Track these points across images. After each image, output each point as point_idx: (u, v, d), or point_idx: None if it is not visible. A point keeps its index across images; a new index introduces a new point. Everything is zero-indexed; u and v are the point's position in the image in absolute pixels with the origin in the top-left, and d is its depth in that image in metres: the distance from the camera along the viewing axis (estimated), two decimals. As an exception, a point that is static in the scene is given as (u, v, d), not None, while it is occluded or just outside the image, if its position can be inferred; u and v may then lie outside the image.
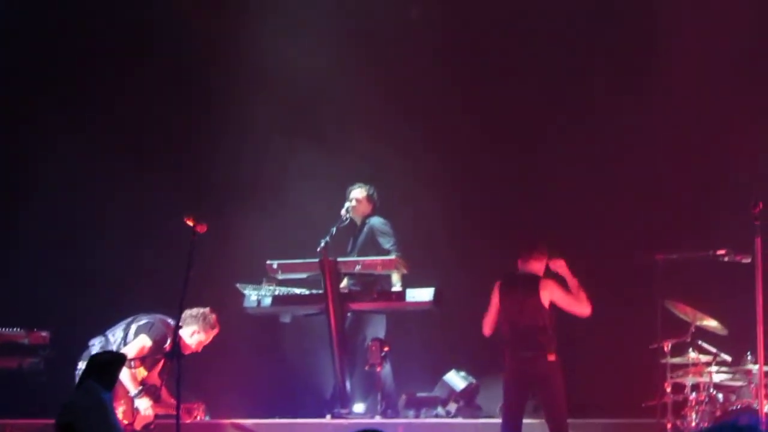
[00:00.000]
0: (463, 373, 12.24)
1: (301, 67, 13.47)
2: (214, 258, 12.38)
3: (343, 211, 12.48)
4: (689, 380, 10.66)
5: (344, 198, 12.62)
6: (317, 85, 13.56)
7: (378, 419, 11.54)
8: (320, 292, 12.06)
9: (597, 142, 12.92)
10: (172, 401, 10.19)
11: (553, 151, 13.02)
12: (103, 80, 13.80)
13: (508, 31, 13.49)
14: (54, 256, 13.38)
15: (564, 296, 10.08)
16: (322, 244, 12.03)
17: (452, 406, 12.01)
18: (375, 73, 13.62)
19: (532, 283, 10.09)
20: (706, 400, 10.56)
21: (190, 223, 9.65)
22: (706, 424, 10.39)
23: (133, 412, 10.57)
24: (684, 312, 10.75)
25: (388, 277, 12.23)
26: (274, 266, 12.27)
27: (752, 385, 10.38)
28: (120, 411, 10.33)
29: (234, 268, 12.79)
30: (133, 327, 10.86)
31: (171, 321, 10.54)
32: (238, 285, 12.32)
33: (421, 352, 12.82)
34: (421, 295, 11.92)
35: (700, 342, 10.72)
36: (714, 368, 10.64)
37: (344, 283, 12.28)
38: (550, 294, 10.04)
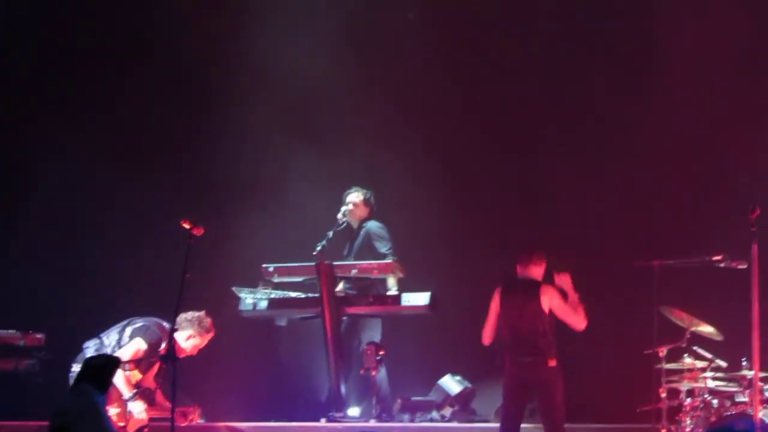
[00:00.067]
0: (458, 378, 12.21)
1: (301, 67, 13.47)
2: (213, 259, 12.38)
3: (339, 215, 12.46)
4: (684, 386, 10.61)
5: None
6: (317, 86, 13.54)
7: (373, 423, 11.54)
8: (316, 295, 12.06)
9: (597, 143, 12.88)
10: (168, 404, 10.18)
11: (553, 151, 12.98)
12: (103, 80, 13.81)
13: (508, 31, 13.45)
14: (53, 256, 13.39)
15: (562, 305, 10.02)
16: (319, 248, 12.00)
17: (447, 411, 12.00)
18: (375, 73, 13.60)
19: (533, 288, 10.04)
20: (701, 405, 10.52)
21: (187, 226, 9.62)
22: (700, 430, 10.36)
23: (126, 415, 10.56)
24: (680, 318, 10.70)
25: (384, 281, 12.21)
26: (270, 269, 12.23)
27: (747, 391, 10.32)
28: (114, 414, 10.32)
29: (233, 269, 12.81)
30: (128, 330, 10.80)
31: (166, 324, 10.51)
32: (234, 288, 12.31)
33: (417, 356, 12.81)
34: (417, 299, 11.91)
35: (695, 348, 10.67)
36: (709, 374, 10.59)
37: (340, 286, 12.27)
38: (549, 300, 9.99)
